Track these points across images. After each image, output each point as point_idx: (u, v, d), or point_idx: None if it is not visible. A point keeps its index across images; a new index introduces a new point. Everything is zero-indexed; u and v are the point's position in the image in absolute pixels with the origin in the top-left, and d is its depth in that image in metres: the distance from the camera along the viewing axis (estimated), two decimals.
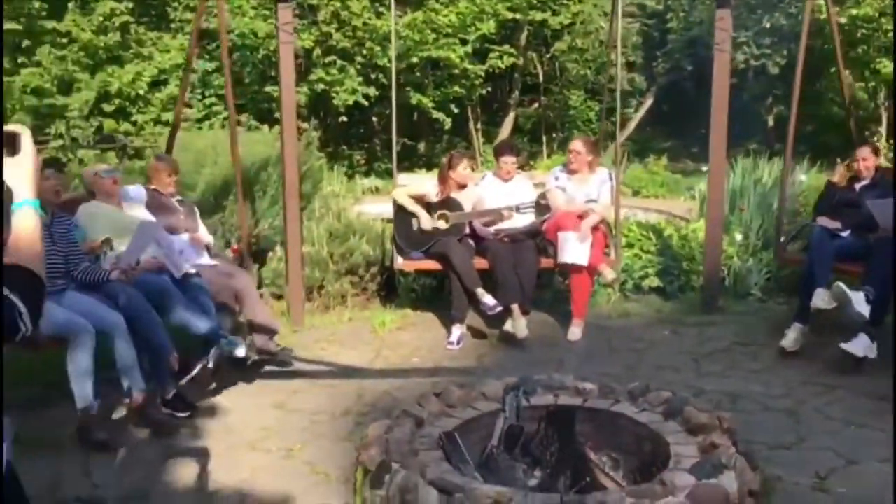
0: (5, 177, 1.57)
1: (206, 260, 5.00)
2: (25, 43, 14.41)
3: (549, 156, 15.51)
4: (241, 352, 4.60)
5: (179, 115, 6.63)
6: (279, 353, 4.97)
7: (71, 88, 14.26)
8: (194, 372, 4.39)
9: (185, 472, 3.71)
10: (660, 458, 3.47)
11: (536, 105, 17.38)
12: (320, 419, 4.31)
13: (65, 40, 14.21)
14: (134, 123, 14.45)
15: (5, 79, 13.94)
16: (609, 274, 5.61)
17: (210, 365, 4.50)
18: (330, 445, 3.98)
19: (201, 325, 4.49)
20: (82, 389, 3.93)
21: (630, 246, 6.65)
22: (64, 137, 14.11)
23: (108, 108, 14.39)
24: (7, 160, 1.57)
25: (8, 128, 1.58)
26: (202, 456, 3.88)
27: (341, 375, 4.96)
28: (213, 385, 4.71)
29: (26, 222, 1.55)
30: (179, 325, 4.46)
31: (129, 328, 4.10)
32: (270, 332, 4.98)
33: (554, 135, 16.94)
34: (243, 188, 7.07)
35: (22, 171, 1.57)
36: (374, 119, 15.72)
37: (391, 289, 6.45)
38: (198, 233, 5.09)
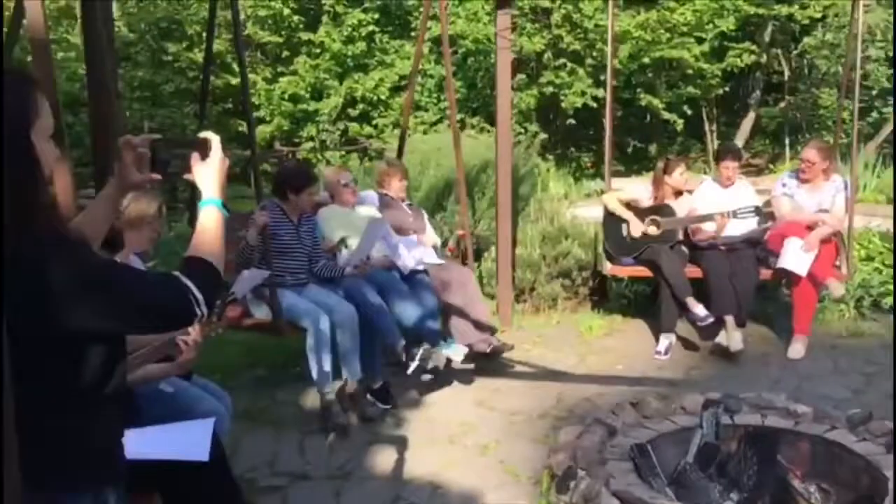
0: (196, 177, 1.76)
1: (433, 258, 5.20)
2: (285, 53, 15.88)
3: (791, 158, 14.50)
4: (458, 357, 4.71)
5: (408, 119, 6.96)
6: (495, 349, 4.98)
7: (322, 95, 15.50)
8: (413, 366, 4.55)
9: (384, 459, 3.94)
10: (877, 495, 3.17)
11: (782, 104, 16.30)
12: (518, 419, 4.37)
13: (318, 50, 15.45)
14: (375, 127, 15.41)
15: (267, 87, 15.47)
16: (837, 289, 5.17)
17: (428, 366, 4.66)
18: (524, 446, 4.03)
19: (424, 322, 4.69)
20: (320, 374, 4.26)
21: (870, 259, 6.07)
22: (314, 140, 15.39)
23: (353, 112, 15.47)
24: (198, 163, 1.76)
25: (201, 134, 1.77)
26: (402, 445, 4.08)
27: (543, 377, 5.00)
28: (421, 378, 4.93)
29: (209, 218, 1.73)
30: (404, 320, 4.67)
31: (360, 319, 4.40)
32: (488, 331, 5.05)
33: (799, 136, 15.78)
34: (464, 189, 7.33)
35: (210, 173, 1.76)
36: (604, 121, 15.55)
37: (603, 294, 6.37)
38: (425, 234, 5.31)
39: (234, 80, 15.41)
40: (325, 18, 15.49)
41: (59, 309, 1.44)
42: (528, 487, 3.60)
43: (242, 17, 16.27)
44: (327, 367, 4.27)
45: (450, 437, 4.18)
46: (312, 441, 4.15)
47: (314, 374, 4.29)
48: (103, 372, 1.59)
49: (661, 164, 5.80)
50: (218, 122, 14.79)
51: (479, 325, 5.00)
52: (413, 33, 15.63)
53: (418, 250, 5.14)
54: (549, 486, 3.44)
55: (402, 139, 6.38)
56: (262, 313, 4.33)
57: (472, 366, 5.00)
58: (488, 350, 4.94)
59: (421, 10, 15.34)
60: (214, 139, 1.77)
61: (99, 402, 1.60)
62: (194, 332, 2.63)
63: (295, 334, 4.34)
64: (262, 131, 15.03)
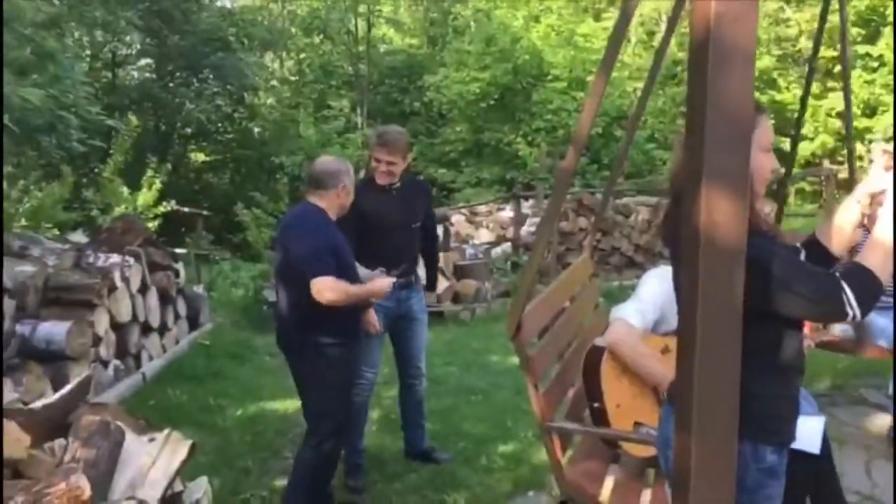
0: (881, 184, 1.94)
1: None
2: (837, 68, 15.18)
3: None
4: None
5: None
6: None
7: (875, 111, 14.48)
8: None
9: None
10: None
11: None
12: None
13: (875, 64, 14.46)
14: None
15: (815, 103, 14.98)
16: None
17: None
18: None
19: None
20: None
21: None
22: (862, 159, 14.47)
23: None
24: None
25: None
26: None
27: None
28: None
29: (888, 229, 1.83)
30: None
31: None
32: None
33: None
34: None
35: None
36: None
37: None
38: None
39: (779, 97, 15.27)
40: (887, 30, 14.42)
41: (770, 294, 1.79)
42: None
43: (796, 31, 16.07)
44: None
45: None
46: (878, 465, 4.09)
47: None
48: (778, 344, 1.90)
49: None
50: None
51: None
52: None
53: None
54: None
55: None
56: (841, 330, 4.37)
57: None
58: None
59: None
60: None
61: (775, 370, 1.92)
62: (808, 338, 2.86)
63: (880, 357, 4.31)
64: (804, 148, 14.65)
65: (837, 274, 1.84)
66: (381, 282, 3.38)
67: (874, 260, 1.84)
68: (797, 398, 2.00)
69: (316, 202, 3.35)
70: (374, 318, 3.87)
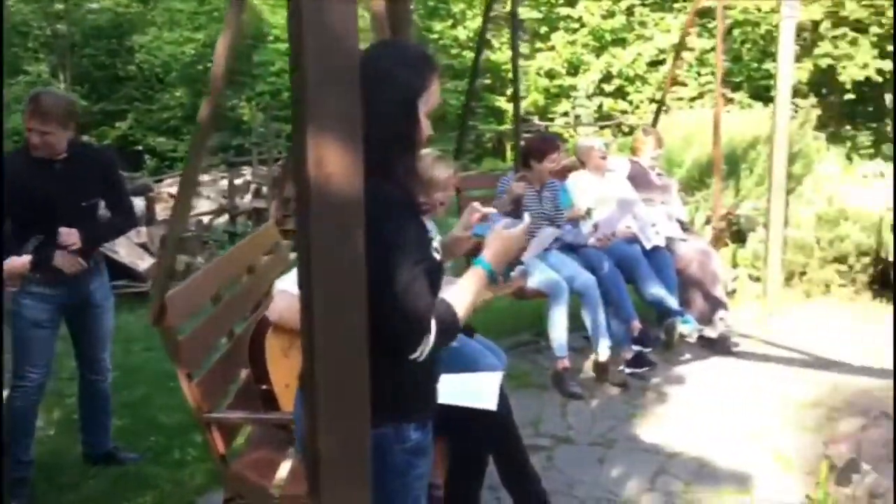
0: (488, 237, 1.83)
1: (678, 234, 5.15)
2: (543, 29, 16.04)
3: None
4: (692, 335, 4.82)
5: (667, 91, 6.86)
6: (721, 335, 4.97)
7: (578, 70, 15.51)
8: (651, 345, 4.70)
9: (647, 431, 3.94)
10: None
11: None
12: (787, 406, 4.19)
13: (576, 25, 15.45)
14: (630, 102, 15.17)
15: (524, 63, 15.72)
16: None
17: (663, 336, 4.86)
18: (794, 434, 3.86)
19: (663, 298, 4.75)
20: (557, 340, 4.40)
21: None
22: (568, 115, 15.48)
23: (608, 88, 15.33)
24: (502, 231, 1.85)
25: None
26: (664, 420, 4.07)
27: (817, 366, 4.72)
28: (685, 356, 4.88)
29: (476, 279, 1.79)
30: (644, 295, 4.80)
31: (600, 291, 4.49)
32: (722, 309, 5.00)
33: None
34: (729, 167, 7.04)
35: (501, 242, 1.83)
36: (888, 97, 14.13)
37: (885, 283, 5.86)
38: (672, 207, 5.26)
39: (493, 56, 15.86)
40: None
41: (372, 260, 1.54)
42: (801, 476, 3.45)
43: None
44: (564, 335, 4.40)
45: (714, 417, 4.09)
46: (575, 406, 4.25)
47: (552, 341, 4.44)
48: None
49: None
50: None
51: (714, 304, 4.98)
52: (676, 5, 15.15)
53: (665, 226, 5.11)
54: (826, 476, 3.28)
55: (658, 109, 6.35)
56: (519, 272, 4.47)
57: (738, 347, 4.98)
58: (715, 336, 4.94)
59: None
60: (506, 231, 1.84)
61: None
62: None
63: (536, 298, 4.58)
64: None
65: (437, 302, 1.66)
66: (12, 261, 2.83)
67: (462, 304, 1.71)
68: (436, 367, 1.84)
69: None
70: (67, 259, 3.29)
